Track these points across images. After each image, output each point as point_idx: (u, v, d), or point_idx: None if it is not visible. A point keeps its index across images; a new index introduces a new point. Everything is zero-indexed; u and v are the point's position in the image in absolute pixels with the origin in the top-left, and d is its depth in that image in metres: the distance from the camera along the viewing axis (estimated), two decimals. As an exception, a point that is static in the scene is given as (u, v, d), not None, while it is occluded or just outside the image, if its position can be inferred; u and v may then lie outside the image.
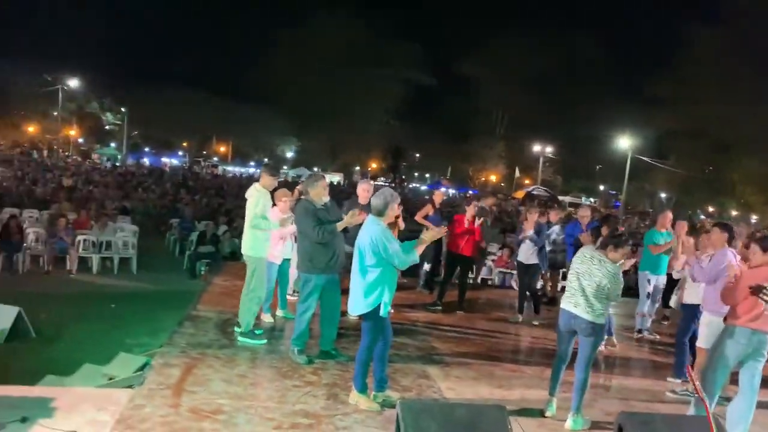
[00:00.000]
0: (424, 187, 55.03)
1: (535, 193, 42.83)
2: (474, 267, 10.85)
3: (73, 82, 40.29)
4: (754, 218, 43.41)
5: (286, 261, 6.83)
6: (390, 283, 4.51)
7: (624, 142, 40.76)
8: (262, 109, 54.63)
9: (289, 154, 61.65)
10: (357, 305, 4.50)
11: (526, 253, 8.44)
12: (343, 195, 16.37)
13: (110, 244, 12.16)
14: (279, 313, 6.96)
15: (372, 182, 8.31)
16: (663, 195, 51.52)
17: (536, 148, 49.68)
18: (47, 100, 40.32)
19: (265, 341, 5.84)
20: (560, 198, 43.55)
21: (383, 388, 4.72)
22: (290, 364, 5.32)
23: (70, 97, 41.53)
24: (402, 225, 6.12)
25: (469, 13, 62.83)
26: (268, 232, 5.97)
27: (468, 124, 53.75)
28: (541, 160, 49.45)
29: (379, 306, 4.43)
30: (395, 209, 4.59)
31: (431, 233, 4.63)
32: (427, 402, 4.47)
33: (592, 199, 53.14)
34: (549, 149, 50.14)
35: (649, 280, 8.02)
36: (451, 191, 52.36)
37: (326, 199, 5.61)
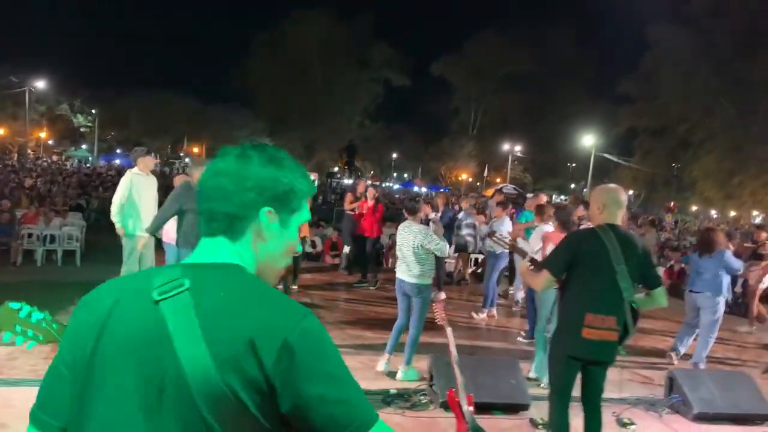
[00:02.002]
0: (397, 186, 55.74)
1: (504, 191, 43.49)
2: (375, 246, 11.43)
3: (41, 84, 40.15)
4: (713, 213, 44.64)
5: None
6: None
7: (588, 140, 41.61)
8: (236, 109, 55.04)
9: (262, 155, 61.63)
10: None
11: None
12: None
13: (54, 237, 12.66)
14: None
15: None
16: (630, 192, 52.61)
17: (506, 146, 50.44)
18: (16, 102, 40.18)
19: None
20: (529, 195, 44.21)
21: None
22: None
23: (40, 100, 41.44)
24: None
25: (443, 15, 63.81)
26: (136, 210, 6.51)
27: (441, 123, 54.52)
28: (509, 158, 50.23)
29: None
30: None
31: None
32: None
33: (563, 197, 54.09)
34: (518, 147, 50.93)
35: None
36: (424, 189, 53.07)
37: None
